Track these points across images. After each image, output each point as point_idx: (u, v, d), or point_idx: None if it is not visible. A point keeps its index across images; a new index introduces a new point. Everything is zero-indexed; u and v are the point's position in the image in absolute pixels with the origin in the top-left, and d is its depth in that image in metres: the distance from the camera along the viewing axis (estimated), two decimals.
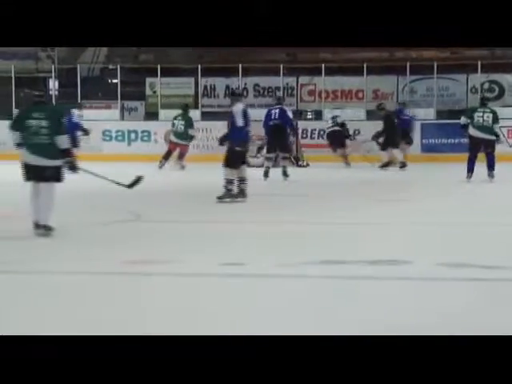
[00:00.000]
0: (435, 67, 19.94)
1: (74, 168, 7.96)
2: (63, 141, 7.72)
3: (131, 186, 9.38)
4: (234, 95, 11.47)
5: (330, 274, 5.84)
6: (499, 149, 14.06)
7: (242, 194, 10.49)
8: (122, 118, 21.50)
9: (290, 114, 15.15)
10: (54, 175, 7.69)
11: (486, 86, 20.32)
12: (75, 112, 16.21)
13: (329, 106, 20.79)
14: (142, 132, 20.75)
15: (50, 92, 22.43)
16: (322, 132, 20.04)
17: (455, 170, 15.51)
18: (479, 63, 19.73)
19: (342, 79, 21.07)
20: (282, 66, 20.63)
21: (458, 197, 11.50)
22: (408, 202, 10.65)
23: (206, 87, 21.61)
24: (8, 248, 7.08)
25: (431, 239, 7.41)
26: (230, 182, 10.46)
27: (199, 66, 20.80)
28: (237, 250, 6.85)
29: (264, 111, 16.61)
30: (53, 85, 22.31)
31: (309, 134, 20.03)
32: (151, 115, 21.60)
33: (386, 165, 16.79)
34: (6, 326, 4.35)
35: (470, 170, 13.61)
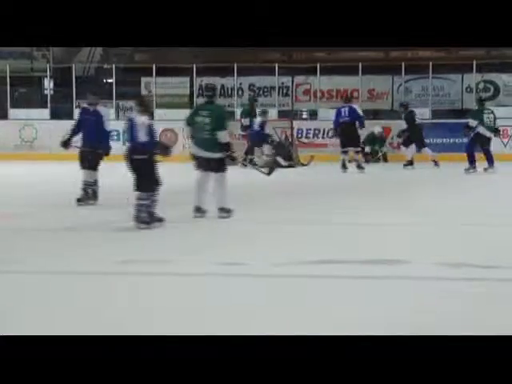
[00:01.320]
0: (430, 67, 19.94)
1: (233, 160, 9.12)
2: (222, 136, 8.72)
3: (269, 173, 10.72)
4: (95, 95, 11.23)
5: (330, 273, 5.84)
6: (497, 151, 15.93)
7: (94, 196, 10.25)
8: (117, 117, 21.46)
9: (360, 111, 16.37)
10: (218, 166, 8.72)
11: (481, 85, 20.34)
12: (258, 120, 17.56)
13: (324, 106, 20.78)
14: None
15: (45, 91, 22.42)
16: (316, 131, 20.06)
17: (451, 169, 15.59)
18: (474, 63, 19.74)
19: (337, 79, 21.05)
20: (277, 66, 20.61)
21: (456, 196, 11.51)
22: (406, 201, 10.67)
23: (201, 87, 21.58)
24: (5, 248, 7.07)
25: (430, 239, 7.42)
26: (89, 184, 10.20)
27: (194, 66, 20.78)
28: (236, 250, 6.85)
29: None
30: (48, 84, 22.26)
31: (304, 134, 20.03)
32: None
33: (410, 162, 17.07)
34: (5, 326, 4.34)
35: (474, 161, 15.23)
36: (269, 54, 21.37)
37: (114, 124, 20.66)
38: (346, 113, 16.11)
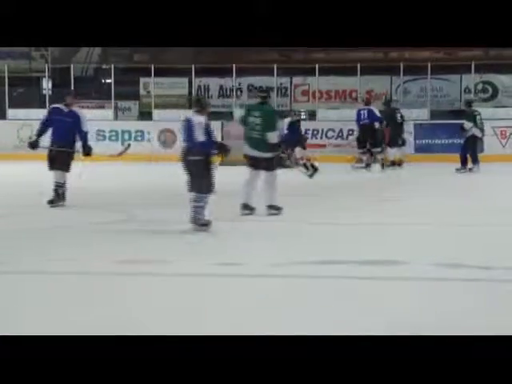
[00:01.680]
0: (429, 68, 19.95)
1: (281, 161, 9.50)
2: (272, 136, 9.00)
3: (311, 175, 10.97)
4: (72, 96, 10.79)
5: (330, 274, 5.83)
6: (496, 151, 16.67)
7: (63, 197, 10.10)
8: (116, 117, 21.47)
9: (378, 113, 17.06)
10: (268, 165, 9.02)
11: (480, 86, 20.36)
12: (285, 121, 17.22)
13: (323, 106, 20.79)
14: (136, 132, 20.74)
15: (44, 92, 22.41)
16: (315, 132, 20.06)
17: (449, 170, 15.60)
18: (473, 64, 19.76)
19: (335, 79, 21.07)
20: (275, 66, 20.61)
21: (454, 197, 11.50)
22: (404, 202, 10.67)
23: (199, 87, 21.61)
24: (3, 248, 7.06)
25: (429, 239, 7.42)
26: (60, 185, 10.07)
27: (193, 66, 20.78)
28: (236, 250, 6.85)
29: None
30: (46, 84, 22.26)
31: None
32: (145, 115, 21.60)
33: (393, 163, 17.19)
34: (5, 326, 4.34)
35: (466, 162, 15.90)
36: (267, 54, 21.36)
37: (112, 124, 20.83)
38: (366, 115, 16.87)
